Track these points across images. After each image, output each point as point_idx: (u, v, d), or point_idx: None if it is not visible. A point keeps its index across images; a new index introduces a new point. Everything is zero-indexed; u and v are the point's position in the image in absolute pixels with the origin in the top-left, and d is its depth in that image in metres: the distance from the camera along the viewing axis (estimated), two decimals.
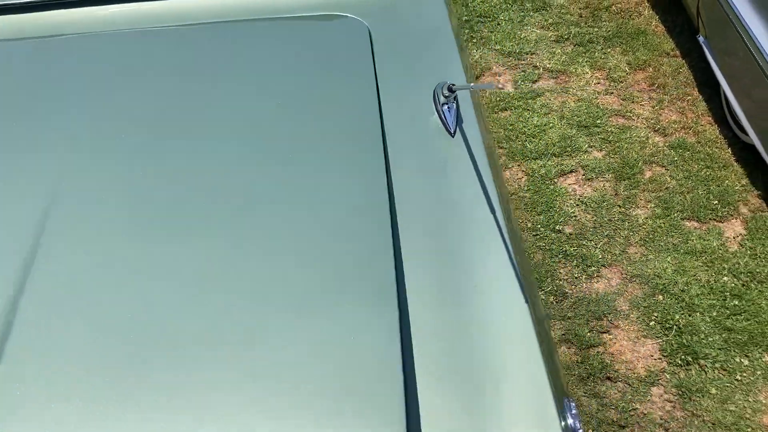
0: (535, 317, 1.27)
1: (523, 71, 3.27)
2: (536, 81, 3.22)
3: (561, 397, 1.21)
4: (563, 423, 1.11)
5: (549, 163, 2.84)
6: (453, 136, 1.56)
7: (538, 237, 2.59)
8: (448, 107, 1.61)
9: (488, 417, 1.09)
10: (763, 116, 2.56)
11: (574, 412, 1.24)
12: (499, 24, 3.53)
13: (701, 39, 3.02)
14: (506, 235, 1.37)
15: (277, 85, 1.62)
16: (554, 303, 2.39)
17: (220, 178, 1.37)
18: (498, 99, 3.12)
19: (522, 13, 3.58)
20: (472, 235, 1.38)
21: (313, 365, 1.07)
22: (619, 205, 2.68)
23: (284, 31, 1.77)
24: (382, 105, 1.63)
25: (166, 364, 1.06)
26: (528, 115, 3.04)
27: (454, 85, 1.16)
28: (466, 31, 3.49)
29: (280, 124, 1.50)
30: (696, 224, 2.61)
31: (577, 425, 1.17)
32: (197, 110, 1.51)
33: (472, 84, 1.52)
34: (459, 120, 1.60)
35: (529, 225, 2.63)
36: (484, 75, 3.27)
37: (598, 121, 3.00)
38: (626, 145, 2.89)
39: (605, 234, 2.59)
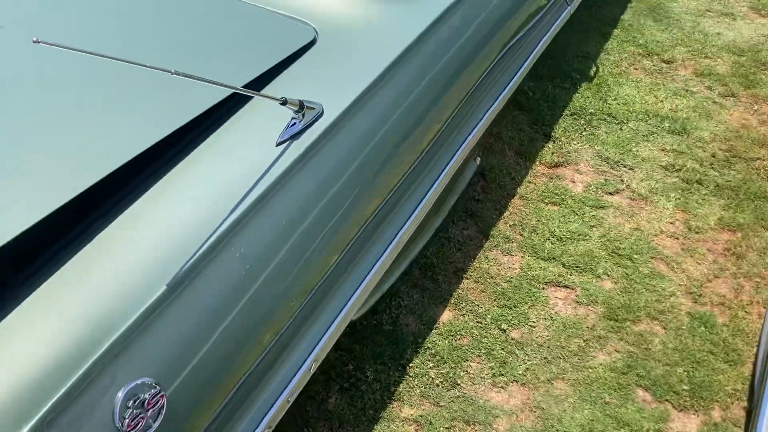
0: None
1: (605, 179, 3.07)
2: (612, 194, 3.01)
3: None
4: None
5: (551, 269, 2.68)
6: (275, 147, 1.64)
7: (480, 325, 2.48)
8: (293, 122, 1.68)
9: None
10: None
11: None
12: (621, 129, 3.33)
13: None
14: (224, 264, 1.44)
15: (176, 44, 1.82)
16: (438, 386, 2.29)
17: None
18: (554, 192, 2.99)
19: (654, 129, 3.33)
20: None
21: None
22: (584, 339, 2.45)
23: (234, 13, 1.95)
24: (251, 101, 1.75)
25: None
26: (572, 219, 2.88)
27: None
28: (582, 123, 3.35)
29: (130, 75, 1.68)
30: (648, 397, 2.30)
31: None
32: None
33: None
34: (295, 137, 1.67)
35: (481, 310, 2.52)
36: (565, 166, 3.13)
37: (636, 257, 2.74)
38: (643, 290, 2.61)
39: (545, 356, 2.39)
